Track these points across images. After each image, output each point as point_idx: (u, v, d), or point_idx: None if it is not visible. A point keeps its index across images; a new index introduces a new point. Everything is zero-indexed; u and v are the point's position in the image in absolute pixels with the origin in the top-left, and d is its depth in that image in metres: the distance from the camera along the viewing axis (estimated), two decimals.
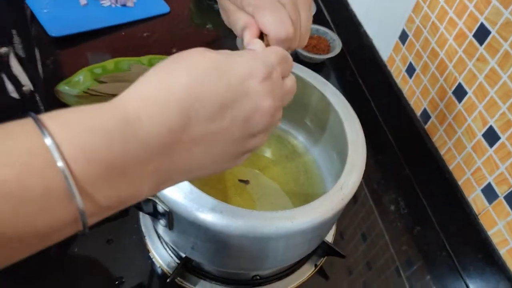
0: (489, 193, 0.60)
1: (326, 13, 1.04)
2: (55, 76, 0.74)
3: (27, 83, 0.50)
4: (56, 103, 0.69)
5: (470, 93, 0.62)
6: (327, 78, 0.90)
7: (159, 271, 0.54)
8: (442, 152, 0.69)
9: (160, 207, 0.41)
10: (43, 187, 0.21)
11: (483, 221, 0.61)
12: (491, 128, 0.59)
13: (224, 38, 0.92)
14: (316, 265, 0.57)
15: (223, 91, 0.28)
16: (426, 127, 0.73)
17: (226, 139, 0.29)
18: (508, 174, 0.56)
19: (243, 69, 0.30)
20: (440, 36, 0.67)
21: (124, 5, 0.91)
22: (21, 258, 0.23)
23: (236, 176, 0.57)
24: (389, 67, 0.82)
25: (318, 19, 1.01)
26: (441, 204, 0.69)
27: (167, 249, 0.54)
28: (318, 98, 0.55)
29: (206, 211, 0.39)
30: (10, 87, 0.48)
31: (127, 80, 0.76)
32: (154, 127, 0.25)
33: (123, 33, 0.88)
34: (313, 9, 0.98)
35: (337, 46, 0.90)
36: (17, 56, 0.50)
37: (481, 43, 0.59)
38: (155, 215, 0.43)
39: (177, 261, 0.53)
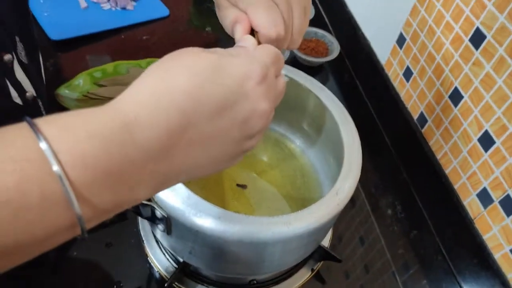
0: (484, 197, 0.60)
1: (324, 16, 1.04)
2: (56, 79, 0.75)
3: (30, 89, 0.51)
4: (57, 106, 0.69)
5: (466, 97, 0.63)
6: (325, 81, 0.91)
7: (157, 275, 0.55)
8: (438, 156, 0.70)
9: (158, 212, 0.41)
10: (41, 193, 0.21)
11: (479, 225, 0.62)
12: (486, 132, 0.59)
13: (223, 41, 0.93)
14: (312, 270, 0.58)
15: (222, 93, 0.28)
16: (423, 131, 0.73)
17: (224, 141, 0.30)
18: (503, 179, 0.57)
19: (240, 70, 0.30)
20: (437, 40, 0.68)
21: (124, 9, 0.92)
22: (20, 263, 0.23)
23: (234, 180, 0.58)
24: (386, 71, 0.83)
25: (316, 22, 1.01)
26: (437, 208, 0.70)
27: (165, 253, 0.55)
28: (315, 102, 0.55)
29: (204, 217, 0.40)
30: (13, 93, 0.48)
31: (126, 83, 0.76)
32: (153, 131, 0.25)
33: (123, 36, 0.88)
34: (312, 13, 0.98)
35: (335, 49, 0.90)
36: (20, 62, 0.51)
37: (477, 47, 0.60)
38: (153, 220, 0.43)
39: (175, 265, 0.54)
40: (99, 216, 0.24)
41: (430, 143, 0.72)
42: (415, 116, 0.75)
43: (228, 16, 0.37)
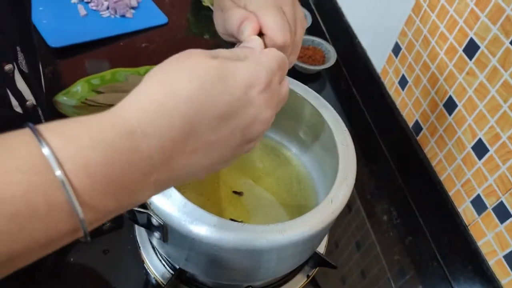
0: (478, 204, 0.61)
1: (322, 24, 1.05)
2: (55, 86, 0.75)
3: (30, 98, 0.51)
4: (56, 114, 0.70)
5: (460, 106, 0.63)
6: (322, 88, 0.92)
7: (154, 281, 0.55)
8: (433, 163, 0.71)
9: (154, 220, 0.42)
10: (46, 203, 0.21)
11: (473, 232, 0.62)
12: (480, 140, 0.60)
13: (221, 48, 0.93)
14: (308, 276, 0.58)
15: (226, 101, 0.28)
16: (418, 138, 0.74)
17: (226, 146, 0.30)
18: (496, 186, 0.58)
19: (245, 76, 0.30)
20: (432, 49, 0.69)
21: (123, 16, 0.93)
22: (21, 267, 0.23)
23: (231, 187, 0.58)
24: (382, 79, 0.84)
25: (314, 30, 1.02)
26: (432, 214, 0.70)
27: (162, 260, 0.55)
28: (310, 111, 0.56)
29: (200, 225, 0.40)
30: (14, 102, 0.49)
31: (124, 90, 0.77)
32: (156, 140, 0.25)
33: (121, 44, 0.89)
34: (309, 21, 0.99)
35: (332, 57, 0.91)
36: (21, 71, 0.51)
37: (470, 57, 0.61)
38: (149, 227, 0.44)
39: (171, 272, 0.54)
40: (101, 219, 0.25)
41: (425, 150, 0.72)
42: (411, 124, 0.76)
43: (234, 15, 0.37)
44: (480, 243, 0.61)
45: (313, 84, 0.92)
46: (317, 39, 0.94)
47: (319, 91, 0.91)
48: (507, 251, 0.57)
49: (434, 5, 0.67)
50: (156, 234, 0.44)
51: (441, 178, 0.69)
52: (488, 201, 0.59)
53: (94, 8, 0.92)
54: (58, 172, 0.21)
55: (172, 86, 0.26)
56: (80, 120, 0.24)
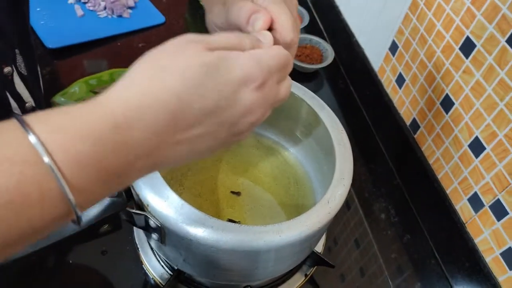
0: (475, 202, 0.61)
1: (319, 23, 1.05)
2: (52, 87, 0.75)
3: (29, 100, 0.52)
4: None
5: (456, 104, 0.64)
6: (320, 87, 0.92)
7: (152, 282, 0.55)
8: (430, 161, 0.71)
9: (152, 222, 0.42)
10: (39, 191, 0.22)
11: (470, 229, 0.63)
12: (476, 139, 0.60)
13: None
14: (306, 275, 0.59)
15: (213, 98, 0.28)
16: (415, 136, 0.74)
17: (212, 138, 0.30)
18: (493, 184, 0.58)
19: (238, 73, 0.29)
20: (429, 48, 0.69)
21: (120, 16, 0.93)
22: (17, 252, 0.24)
23: (229, 188, 0.59)
24: (380, 77, 0.84)
25: (311, 29, 1.02)
26: (430, 212, 0.71)
27: (160, 261, 0.56)
28: (307, 111, 0.56)
29: (197, 226, 0.41)
30: (13, 104, 0.49)
31: None
32: (142, 133, 0.26)
33: (119, 44, 0.89)
34: (306, 20, 0.99)
35: (329, 55, 0.91)
36: (20, 74, 0.51)
37: (467, 56, 0.61)
38: (147, 229, 0.44)
39: (170, 272, 0.54)
40: (92, 202, 0.26)
41: (423, 148, 0.73)
42: (408, 122, 0.76)
43: (243, 7, 0.36)
44: (477, 241, 0.61)
45: (311, 82, 0.92)
46: (315, 38, 0.94)
47: (316, 90, 0.91)
48: (504, 248, 0.57)
49: (431, 3, 0.67)
50: (154, 236, 0.44)
51: (439, 176, 0.69)
52: (485, 199, 0.60)
53: (91, 8, 0.92)
54: (47, 159, 0.22)
55: (162, 85, 0.27)
56: (67, 111, 0.25)
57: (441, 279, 0.66)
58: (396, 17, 0.76)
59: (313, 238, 0.48)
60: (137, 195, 0.43)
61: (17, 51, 0.51)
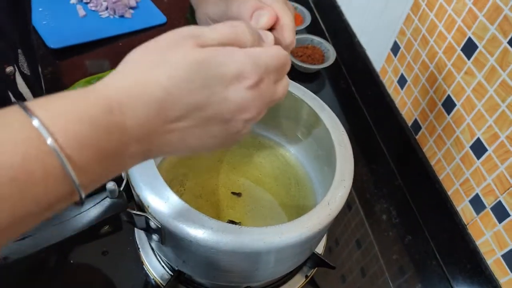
0: (477, 204, 0.61)
1: (321, 23, 1.05)
2: (54, 87, 0.76)
3: (31, 99, 0.52)
4: None
5: (458, 105, 0.63)
6: (321, 87, 0.92)
7: (153, 282, 0.55)
8: (432, 162, 0.71)
9: (152, 223, 0.42)
10: (43, 169, 0.23)
11: (472, 231, 0.62)
12: (478, 140, 0.60)
13: None
14: (307, 276, 0.59)
15: (202, 94, 0.29)
16: (417, 137, 0.74)
17: (204, 134, 0.31)
18: (494, 186, 0.58)
19: (230, 70, 0.29)
20: (430, 49, 0.69)
21: (122, 16, 0.93)
22: (23, 232, 0.25)
23: (229, 188, 0.59)
24: (381, 78, 0.84)
25: (313, 29, 1.02)
26: (431, 213, 0.70)
27: (161, 261, 0.56)
28: (308, 112, 0.56)
29: (197, 228, 0.41)
30: None
31: None
32: (133, 120, 0.27)
33: (120, 44, 0.89)
34: (308, 20, 0.99)
35: (331, 56, 0.91)
36: (22, 74, 0.52)
37: (468, 57, 0.61)
38: (147, 230, 0.44)
39: (170, 273, 0.55)
40: (94, 182, 0.27)
41: (424, 149, 0.72)
42: (410, 123, 0.76)
43: (247, 1, 0.36)
44: (478, 242, 0.61)
45: (312, 83, 0.92)
46: (316, 38, 0.94)
47: (318, 90, 0.91)
48: (505, 250, 0.57)
49: (433, 4, 0.67)
50: (154, 237, 0.44)
51: (440, 178, 0.69)
52: (486, 201, 0.59)
53: (93, 8, 0.92)
54: (49, 140, 0.23)
55: (152, 78, 0.28)
56: (66, 96, 0.26)
57: (442, 280, 0.65)
58: (398, 18, 0.76)
59: (314, 239, 0.48)
60: (138, 196, 0.43)
61: (19, 51, 0.51)
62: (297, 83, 0.57)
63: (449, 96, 0.65)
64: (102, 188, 0.40)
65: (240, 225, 0.54)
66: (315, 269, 0.59)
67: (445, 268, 0.66)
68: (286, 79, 0.35)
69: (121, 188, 0.43)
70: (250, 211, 0.57)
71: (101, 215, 0.40)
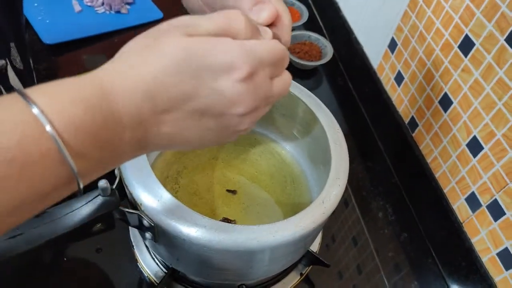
0: (473, 202, 0.61)
1: (319, 20, 1.05)
2: None
3: None
4: None
5: (455, 103, 0.63)
6: (319, 84, 0.92)
7: (147, 280, 0.55)
8: (428, 160, 0.70)
9: (145, 221, 0.42)
10: (39, 151, 0.23)
11: (467, 229, 0.62)
12: (474, 138, 0.60)
13: None
14: (301, 274, 0.58)
15: (191, 85, 0.28)
16: (413, 134, 0.74)
17: (197, 127, 0.30)
18: (490, 184, 0.57)
19: (219, 60, 0.28)
20: (428, 46, 0.68)
21: (118, 12, 0.92)
22: (24, 220, 0.25)
23: (224, 186, 0.58)
24: (378, 75, 0.83)
25: (310, 25, 1.01)
26: (427, 211, 0.70)
27: (155, 259, 0.56)
28: (303, 110, 0.56)
29: (190, 226, 0.40)
30: None
31: None
32: (125, 107, 0.27)
33: (116, 40, 0.89)
34: (305, 16, 0.99)
35: (328, 52, 0.90)
36: (14, 68, 0.51)
37: (466, 54, 0.60)
38: (140, 228, 0.44)
39: (165, 271, 0.54)
40: (91, 173, 0.27)
41: (421, 147, 0.72)
42: (406, 120, 0.76)
43: None
44: (474, 240, 0.61)
45: (310, 79, 0.92)
46: (314, 35, 0.93)
47: (315, 87, 0.91)
48: (500, 248, 0.57)
49: (430, 0, 0.66)
50: (148, 235, 0.44)
51: (436, 175, 0.69)
52: (482, 199, 0.59)
53: (89, 4, 0.92)
54: (47, 124, 0.24)
55: (142, 68, 0.28)
56: (61, 82, 0.26)
57: (438, 278, 0.65)
58: (395, 14, 0.76)
59: (308, 238, 0.48)
60: (131, 194, 0.43)
61: (12, 44, 0.51)
62: (293, 81, 0.56)
63: (446, 93, 0.65)
64: (95, 186, 0.40)
65: (235, 222, 0.53)
66: (310, 267, 0.59)
67: (440, 265, 0.66)
68: (287, 74, 0.34)
69: (114, 186, 0.43)
70: (245, 209, 0.56)
71: (93, 213, 0.39)
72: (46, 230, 0.38)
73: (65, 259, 0.55)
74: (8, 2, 0.50)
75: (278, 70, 0.32)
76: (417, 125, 0.73)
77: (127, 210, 0.42)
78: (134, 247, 0.57)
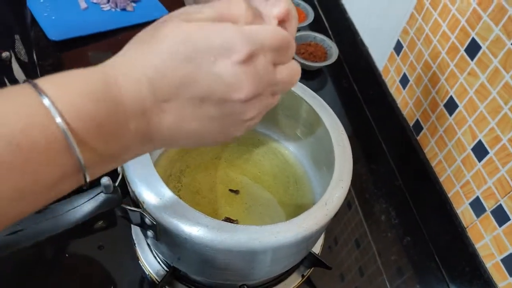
0: (477, 207, 0.60)
1: (324, 21, 1.04)
2: None
3: None
4: None
5: (460, 106, 0.63)
6: (323, 85, 0.91)
7: (148, 278, 0.55)
8: (433, 163, 0.70)
9: (147, 219, 0.42)
10: (45, 139, 0.23)
11: (471, 234, 0.62)
12: (480, 142, 0.59)
13: None
14: (303, 276, 0.58)
15: (186, 69, 0.28)
16: (418, 138, 0.74)
17: (199, 115, 0.29)
18: (495, 189, 0.57)
19: (216, 42, 0.28)
20: (433, 48, 0.68)
21: (123, 10, 0.92)
22: (25, 214, 0.25)
23: (227, 185, 0.58)
24: (384, 77, 0.83)
25: (316, 26, 1.01)
26: (431, 215, 0.70)
27: (157, 257, 0.55)
28: (307, 111, 0.55)
29: (192, 225, 0.40)
30: None
31: None
32: (128, 99, 0.27)
33: (120, 38, 0.89)
34: (311, 17, 0.98)
35: (333, 53, 0.90)
36: (18, 60, 0.51)
37: (472, 58, 0.60)
38: (142, 226, 0.44)
39: (166, 269, 0.54)
40: (97, 167, 0.27)
41: (425, 150, 0.72)
42: (411, 123, 0.75)
43: None
44: (478, 246, 0.61)
45: (314, 80, 0.91)
46: (319, 36, 0.93)
47: (320, 88, 0.90)
48: (504, 254, 0.56)
49: (436, 3, 0.66)
50: (149, 233, 0.44)
51: (441, 179, 0.68)
52: (487, 204, 0.59)
53: (94, 1, 0.92)
54: (57, 116, 0.24)
55: (142, 56, 0.28)
56: (68, 73, 0.26)
57: (441, 282, 0.65)
58: (402, 17, 0.75)
59: (310, 239, 0.47)
60: (133, 191, 0.43)
61: (17, 36, 0.51)
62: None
63: (451, 97, 0.64)
64: (97, 183, 0.39)
65: (237, 222, 0.53)
66: (311, 269, 0.59)
67: (443, 270, 0.66)
68: (294, 63, 0.32)
69: (116, 184, 0.43)
70: (247, 209, 0.56)
71: (95, 210, 0.39)
72: (48, 226, 0.37)
73: (66, 255, 0.55)
74: None
75: (282, 57, 0.31)
76: (421, 128, 0.72)
77: (129, 207, 0.42)
78: (136, 245, 0.57)
